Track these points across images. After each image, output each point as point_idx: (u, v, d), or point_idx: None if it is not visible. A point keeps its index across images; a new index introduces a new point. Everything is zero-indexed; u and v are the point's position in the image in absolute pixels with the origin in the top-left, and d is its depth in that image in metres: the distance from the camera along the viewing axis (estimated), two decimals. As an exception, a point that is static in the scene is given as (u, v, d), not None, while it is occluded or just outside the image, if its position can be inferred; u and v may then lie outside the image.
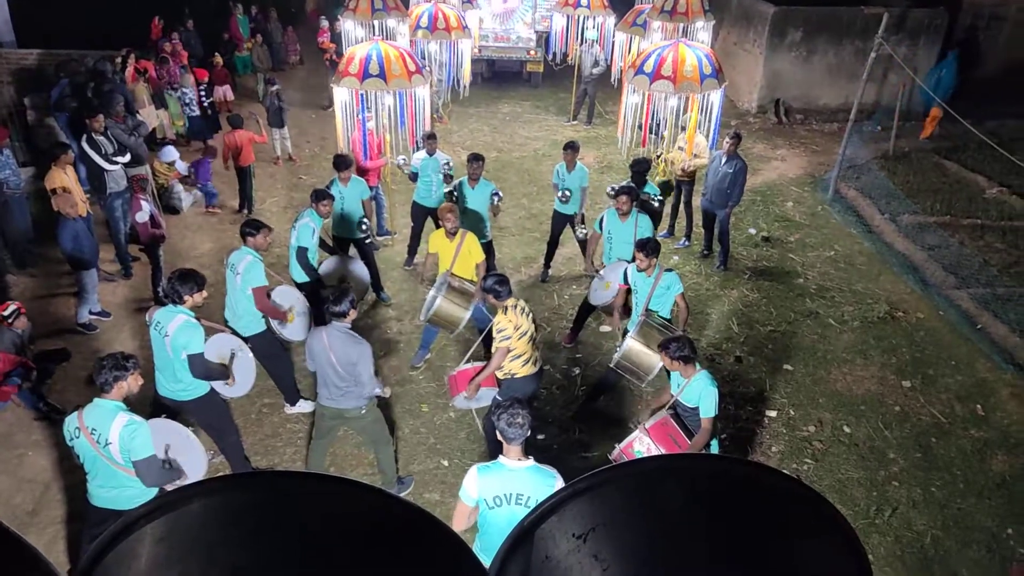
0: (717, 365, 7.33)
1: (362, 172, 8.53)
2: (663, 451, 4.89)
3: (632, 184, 7.63)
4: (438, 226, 7.28)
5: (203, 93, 12.76)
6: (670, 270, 6.32)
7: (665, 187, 9.20)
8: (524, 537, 0.95)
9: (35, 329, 6.97)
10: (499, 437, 3.82)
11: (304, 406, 6.53)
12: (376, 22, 11.68)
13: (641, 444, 5.03)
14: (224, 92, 13.76)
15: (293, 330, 6.49)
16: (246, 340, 5.92)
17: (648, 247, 6.06)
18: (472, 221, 7.75)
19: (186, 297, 5.10)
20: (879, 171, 11.63)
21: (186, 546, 0.89)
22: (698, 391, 4.95)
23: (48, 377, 6.61)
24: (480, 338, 6.52)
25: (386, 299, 8.25)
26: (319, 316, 6.77)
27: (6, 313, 6.44)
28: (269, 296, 6.20)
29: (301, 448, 6.19)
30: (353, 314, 5.16)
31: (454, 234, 6.74)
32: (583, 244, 8.49)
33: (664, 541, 0.94)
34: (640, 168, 8.13)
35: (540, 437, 6.31)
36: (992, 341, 7.78)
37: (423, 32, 11.39)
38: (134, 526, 0.87)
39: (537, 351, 5.64)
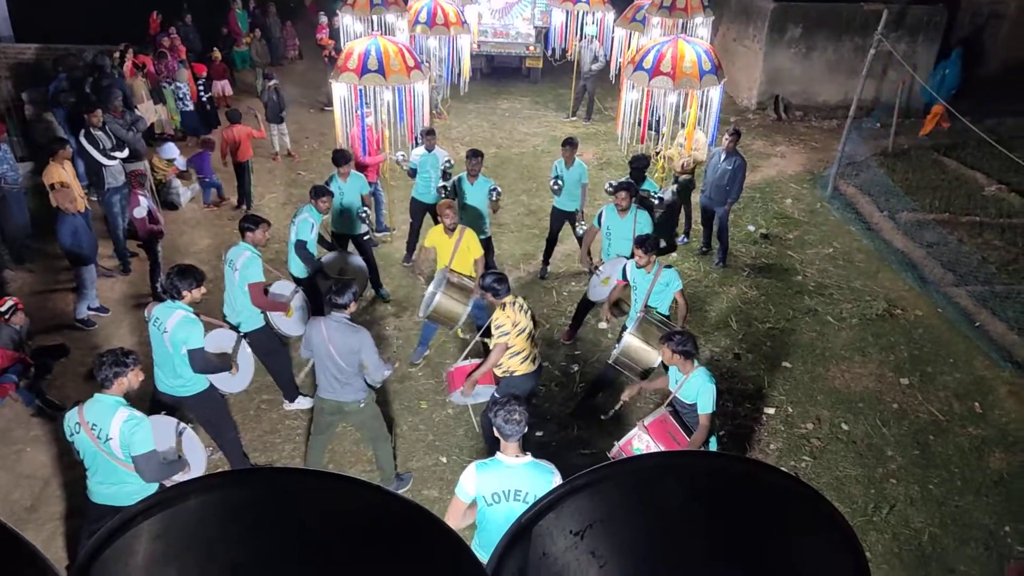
0: (716, 362, 7.34)
1: (361, 168, 8.53)
2: (662, 448, 4.90)
3: (631, 180, 7.63)
4: (437, 222, 7.28)
5: (201, 88, 12.75)
6: (669, 267, 6.32)
7: (685, 189, 9.11)
8: (522, 534, 0.95)
9: (33, 325, 6.97)
10: (496, 434, 3.82)
11: (303, 403, 6.54)
12: (375, 17, 11.67)
13: (640, 441, 5.04)
14: (223, 87, 13.74)
15: (291, 325, 6.49)
16: (244, 336, 5.93)
17: (647, 243, 6.06)
18: (471, 217, 7.75)
19: (185, 293, 5.10)
20: (878, 168, 11.63)
21: (184, 543, 0.89)
22: (696, 388, 4.95)
23: (47, 373, 6.61)
24: (479, 335, 6.51)
25: (385, 295, 8.25)
26: (317, 311, 6.78)
27: (3, 309, 6.44)
28: (267, 292, 6.20)
29: (300, 444, 6.20)
30: (353, 307, 5.17)
31: (453, 230, 6.73)
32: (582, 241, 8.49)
33: (662, 538, 0.94)
34: (639, 164, 8.13)
35: (539, 434, 6.31)
36: (990, 339, 7.79)
37: (422, 28, 11.38)
38: (131, 523, 0.87)
39: (536, 349, 5.64)
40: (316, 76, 15.51)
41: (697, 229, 9.59)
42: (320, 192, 6.92)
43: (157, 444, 4.31)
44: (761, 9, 14.40)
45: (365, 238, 7.93)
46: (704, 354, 7.26)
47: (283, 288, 6.55)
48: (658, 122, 9.33)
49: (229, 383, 5.65)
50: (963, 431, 6.60)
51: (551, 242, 8.71)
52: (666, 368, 5.34)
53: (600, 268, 7.19)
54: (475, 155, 7.88)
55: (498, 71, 16.63)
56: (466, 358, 5.98)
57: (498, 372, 5.52)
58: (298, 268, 6.93)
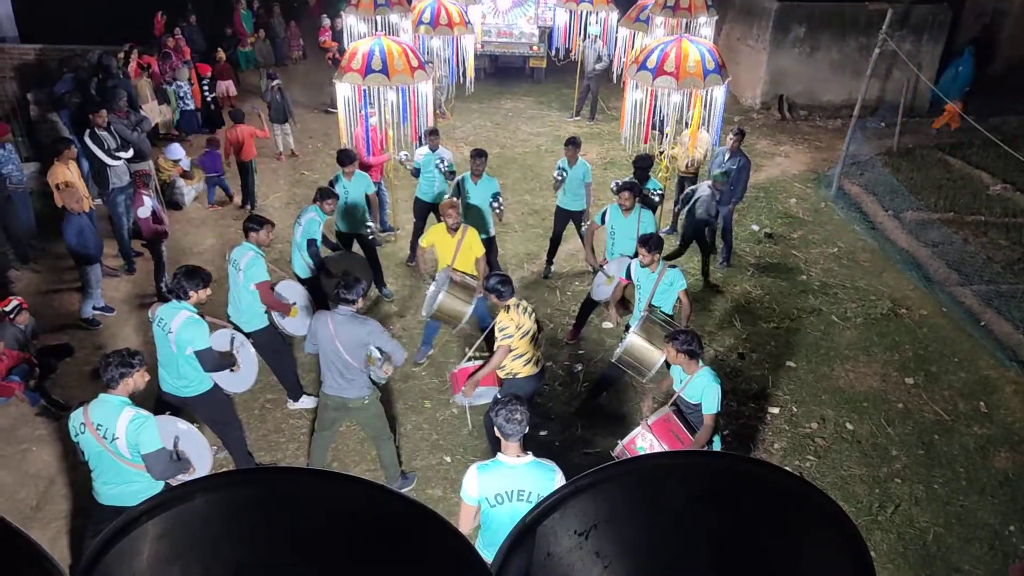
0: (720, 361, 7.32)
1: (365, 168, 8.53)
2: (666, 447, 4.89)
3: (635, 180, 7.62)
4: (440, 222, 7.27)
5: (206, 89, 12.77)
6: (674, 266, 6.32)
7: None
8: (526, 534, 0.95)
9: (38, 324, 6.98)
10: (497, 433, 3.81)
11: (307, 402, 6.55)
12: (379, 17, 11.67)
13: (644, 440, 5.03)
14: (227, 87, 13.76)
15: (295, 324, 6.50)
16: (248, 336, 5.94)
17: (651, 243, 6.05)
18: (474, 217, 7.74)
19: (191, 293, 5.11)
20: (883, 167, 11.60)
21: (188, 542, 0.89)
22: (701, 387, 4.94)
23: (52, 372, 6.63)
24: (483, 336, 6.51)
25: (388, 295, 8.26)
26: (320, 309, 6.79)
27: (8, 308, 6.46)
28: (273, 290, 6.21)
29: (304, 444, 6.20)
30: (360, 303, 5.18)
31: (456, 230, 6.73)
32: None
33: (666, 538, 0.94)
34: (643, 164, 8.13)
35: (542, 433, 6.31)
36: (995, 338, 7.77)
37: (425, 28, 11.37)
38: (136, 523, 0.87)
39: (539, 351, 5.63)
40: (320, 76, 15.52)
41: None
42: (326, 194, 6.93)
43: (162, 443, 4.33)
44: (765, 8, 14.38)
45: (369, 237, 7.94)
46: (708, 353, 7.25)
47: (288, 289, 6.56)
48: (662, 122, 9.31)
49: (234, 383, 5.67)
50: (968, 431, 6.58)
51: (555, 241, 8.70)
52: (669, 367, 5.34)
53: (604, 268, 7.18)
54: (479, 155, 7.87)
55: (502, 71, 16.62)
56: (469, 359, 5.98)
57: (501, 374, 5.52)
58: (302, 268, 6.94)
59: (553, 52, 15.44)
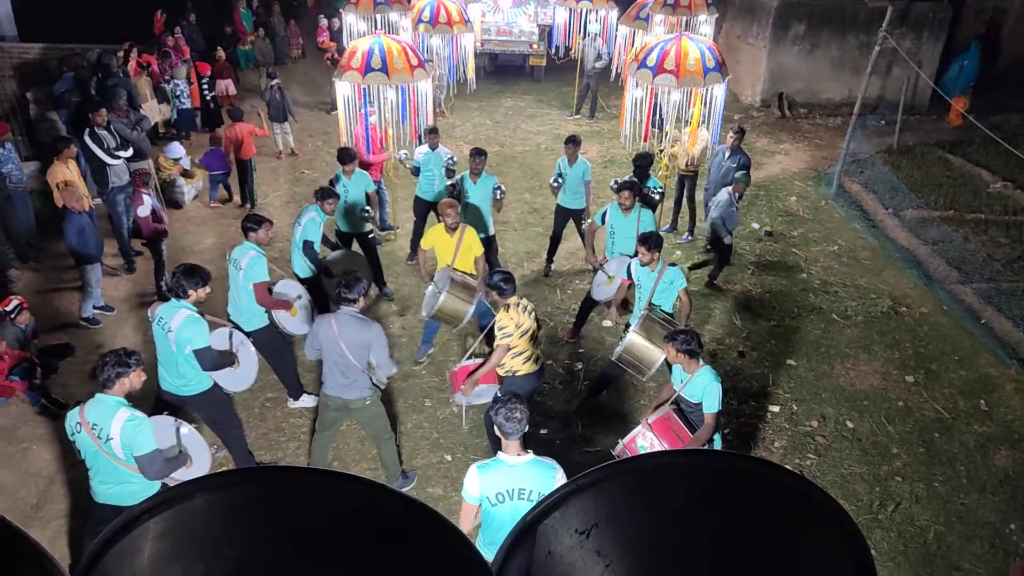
0: (720, 360, 7.32)
1: (364, 166, 8.53)
2: (666, 446, 4.89)
3: (635, 179, 7.62)
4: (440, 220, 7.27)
5: (205, 87, 12.76)
6: (673, 265, 6.32)
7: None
8: (527, 533, 0.94)
9: (38, 324, 6.98)
10: (497, 432, 3.81)
11: (307, 401, 6.55)
12: (378, 16, 11.67)
13: (644, 439, 5.04)
14: (226, 86, 13.75)
15: (295, 324, 6.50)
16: (249, 335, 5.94)
17: (650, 241, 6.05)
18: (474, 216, 7.74)
19: (191, 292, 5.11)
20: (883, 165, 11.60)
21: (188, 541, 0.89)
22: (701, 386, 4.94)
23: (52, 372, 6.63)
24: (482, 335, 6.51)
25: (388, 294, 8.26)
26: (320, 309, 6.79)
27: (9, 308, 6.46)
28: (270, 291, 6.21)
29: (304, 443, 6.20)
30: (362, 302, 5.18)
31: (455, 229, 6.73)
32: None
33: (667, 537, 0.94)
34: (643, 163, 8.12)
35: (543, 432, 6.32)
36: (996, 336, 7.77)
37: (425, 26, 11.36)
38: (136, 522, 0.87)
39: (539, 349, 5.63)
40: (319, 76, 15.52)
41: (701, 227, 9.57)
42: (326, 194, 6.92)
43: (158, 443, 4.32)
44: (765, 6, 14.37)
45: (369, 236, 7.94)
46: (708, 352, 7.25)
47: (287, 287, 6.56)
48: (661, 120, 9.32)
49: (234, 382, 5.67)
50: (968, 429, 6.58)
51: (555, 240, 8.70)
52: (670, 366, 5.33)
53: (604, 266, 7.18)
54: (478, 153, 7.87)
55: (501, 69, 16.62)
56: (469, 357, 5.98)
57: (501, 372, 5.52)
58: (301, 267, 6.94)
59: (553, 50, 15.42)
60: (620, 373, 6.36)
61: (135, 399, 4.40)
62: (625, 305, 7.03)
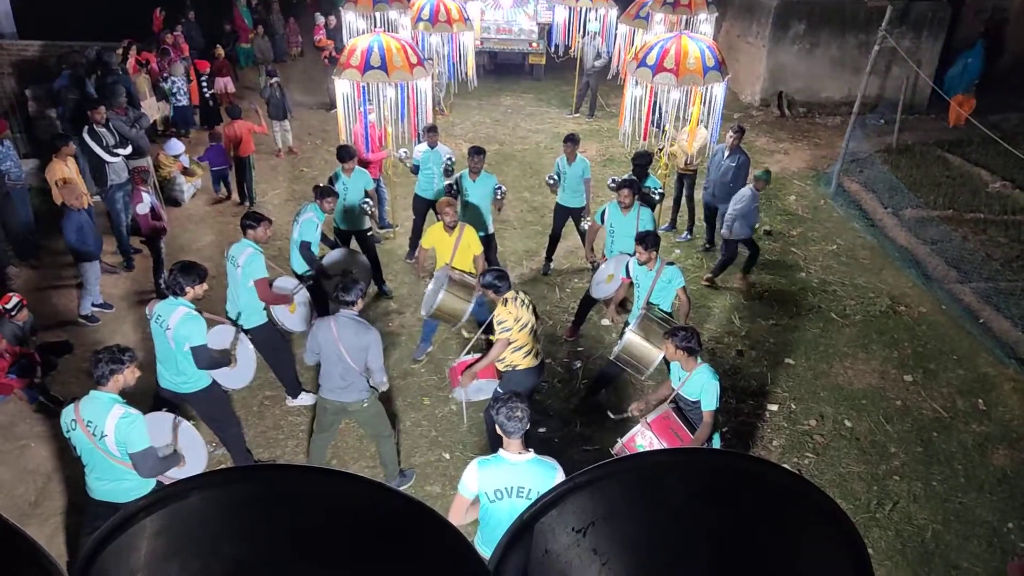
0: (719, 359, 7.33)
1: (364, 165, 8.53)
2: (665, 445, 4.89)
3: (634, 177, 7.62)
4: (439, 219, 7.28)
5: (204, 85, 12.75)
6: (672, 263, 6.32)
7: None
8: (523, 531, 0.94)
9: (37, 321, 6.98)
10: (498, 431, 3.81)
11: (306, 399, 6.55)
12: (378, 14, 11.67)
13: (643, 438, 5.04)
14: (225, 84, 13.74)
15: (294, 321, 6.49)
16: (247, 332, 5.93)
17: (648, 240, 6.04)
18: (473, 215, 7.74)
19: (188, 289, 5.10)
20: (882, 165, 11.60)
21: (186, 539, 0.89)
22: (700, 385, 4.95)
23: (51, 369, 6.62)
24: (480, 330, 6.51)
25: (387, 292, 8.25)
26: (320, 308, 6.79)
27: (8, 306, 6.45)
28: (271, 286, 6.21)
29: (303, 441, 6.20)
30: (360, 304, 5.17)
31: (453, 228, 6.72)
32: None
33: (664, 536, 0.94)
34: (642, 162, 8.12)
35: (541, 430, 6.32)
36: (994, 336, 7.77)
37: (424, 24, 11.36)
38: (133, 519, 0.87)
39: (538, 343, 5.63)
40: (318, 74, 15.50)
41: (700, 226, 9.58)
42: (325, 193, 6.92)
43: (153, 440, 4.31)
44: (765, 5, 14.36)
45: (369, 234, 7.93)
46: (707, 350, 7.25)
47: (286, 284, 6.56)
48: (661, 119, 9.32)
49: (232, 379, 5.66)
50: (966, 428, 6.59)
51: (554, 238, 8.70)
52: (668, 365, 5.34)
53: (603, 265, 7.18)
54: (477, 152, 7.87)
55: (501, 67, 16.60)
56: (468, 353, 5.98)
57: (500, 366, 5.53)
58: (301, 265, 6.93)
59: (552, 49, 15.42)
60: (619, 372, 6.36)
61: (133, 396, 4.40)
62: (624, 304, 7.04)
